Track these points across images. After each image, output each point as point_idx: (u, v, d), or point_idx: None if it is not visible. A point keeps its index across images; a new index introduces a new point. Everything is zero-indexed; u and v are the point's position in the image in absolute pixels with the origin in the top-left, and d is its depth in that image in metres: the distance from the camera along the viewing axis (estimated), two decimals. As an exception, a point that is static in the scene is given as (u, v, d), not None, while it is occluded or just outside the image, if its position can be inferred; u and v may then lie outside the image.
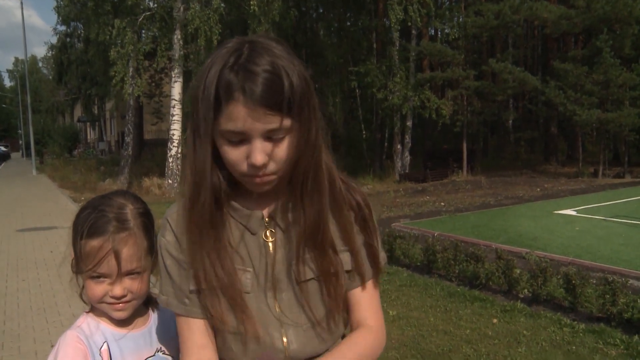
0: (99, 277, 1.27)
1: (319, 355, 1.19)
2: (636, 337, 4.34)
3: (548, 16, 19.36)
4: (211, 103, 1.05)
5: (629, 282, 5.24)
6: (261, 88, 1.01)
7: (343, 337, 1.27)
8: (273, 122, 1.03)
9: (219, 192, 1.15)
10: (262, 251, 1.17)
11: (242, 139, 1.05)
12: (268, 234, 1.18)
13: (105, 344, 1.30)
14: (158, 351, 1.38)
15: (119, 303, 1.29)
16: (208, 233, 1.14)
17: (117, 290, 1.27)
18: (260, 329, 1.15)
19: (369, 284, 1.25)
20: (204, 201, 1.14)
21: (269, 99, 1.01)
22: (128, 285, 1.28)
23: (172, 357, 1.40)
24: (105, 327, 1.33)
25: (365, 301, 1.25)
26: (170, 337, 1.39)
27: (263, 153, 1.05)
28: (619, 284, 4.76)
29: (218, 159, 1.11)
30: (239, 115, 1.02)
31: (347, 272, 1.21)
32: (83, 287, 1.35)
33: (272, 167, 1.08)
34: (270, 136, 1.05)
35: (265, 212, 1.19)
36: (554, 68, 19.43)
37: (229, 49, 1.07)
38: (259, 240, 1.18)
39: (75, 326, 1.31)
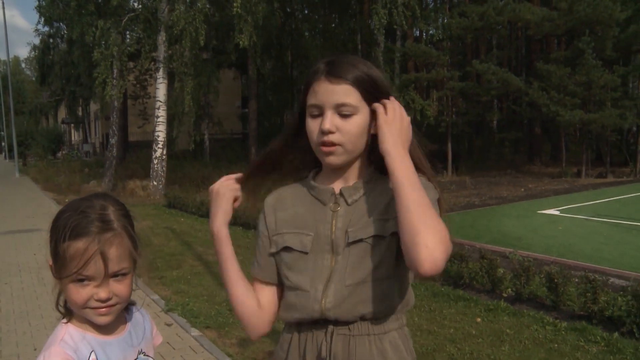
0: (83, 280, 1.22)
1: (355, 321, 1.31)
2: (616, 334, 4.40)
3: (531, 18, 19.54)
4: (303, 87, 1.37)
5: (610, 280, 5.31)
6: (337, 68, 1.30)
7: (402, 328, 1.38)
8: (342, 97, 1.29)
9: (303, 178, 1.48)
10: (327, 219, 1.37)
11: (319, 112, 1.32)
12: (334, 205, 1.38)
13: (92, 353, 1.26)
14: (140, 353, 1.38)
15: (104, 307, 1.25)
16: (288, 207, 1.45)
17: (103, 293, 1.23)
18: (308, 284, 1.34)
19: None
20: (292, 186, 1.50)
21: (342, 76, 1.29)
22: (113, 288, 1.25)
23: (151, 357, 1.41)
24: (90, 336, 1.29)
25: None
26: (146, 338, 1.41)
27: (332, 122, 1.29)
28: (600, 282, 4.83)
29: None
30: (318, 89, 1.31)
31: (394, 234, 1.29)
32: (59, 295, 1.31)
33: (337, 137, 1.30)
34: (340, 112, 1.30)
35: (337, 189, 1.40)
36: (537, 69, 19.59)
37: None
38: (326, 210, 1.39)
39: (58, 340, 1.26)
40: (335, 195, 1.39)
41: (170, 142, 18.54)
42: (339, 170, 1.39)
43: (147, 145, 21.58)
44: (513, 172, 20.84)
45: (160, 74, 17.08)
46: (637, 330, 4.39)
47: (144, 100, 29.38)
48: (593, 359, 4.03)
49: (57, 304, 1.33)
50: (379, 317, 1.32)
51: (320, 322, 1.33)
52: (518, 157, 26.35)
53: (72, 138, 56.77)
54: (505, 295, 5.51)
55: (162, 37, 16.90)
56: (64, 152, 45.13)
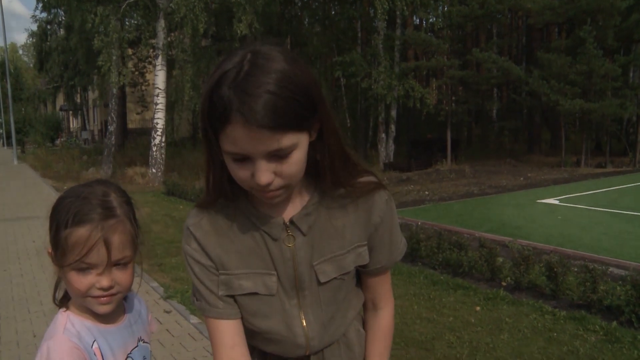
0: (86, 268, 1.18)
1: (331, 344, 1.32)
2: (615, 323, 4.41)
3: (532, 6, 19.43)
4: (207, 122, 1.04)
5: (609, 270, 5.31)
6: (261, 111, 0.96)
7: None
8: (276, 142, 1.00)
9: (232, 197, 1.20)
10: (285, 256, 1.20)
11: (245, 157, 1.04)
12: (289, 238, 1.20)
13: (95, 342, 1.24)
14: (139, 340, 1.36)
15: (105, 296, 1.21)
16: (230, 238, 1.21)
17: (105, 281, 1.20)
18: (283, 329, 1.24)
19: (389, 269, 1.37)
20: (222, 207, 1.21)
21: (270, 121, 0.97)
22: (115, 277, 1.22)
23: (149, 343, 1.41)
24: (91, 324, 1.26)
25: (382, 285, 1.37)
26: (142, 324, 1.40)
27: (268, 172, 1.04)
28: (599, 271, 4.83)
29: (225, 167, 1.12)
30: (238, 137, 0.99)
31: (364, 265, 1.29)
32: (57, 286, 1.29)
33: (279, 182, 1.07)
34: (275, 154, 1.03)
35: (286, 216, 1.20)
36: (537, 58, 19.52)
37: (229, 63, 1.02)
38: (281, 245, 1.20)
39: (61, 329, 1.22)
40: (286, 226, 1.20)
41: (170, 129, 18.50)
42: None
43: (146, 132, 21.60)
44: (512, 161, 20.82)
45: (159, 61, 17.02)
46: (635, 319, 4.39)
47: (142, 87, 29.34)
48: (592, 348, 4.04)
49: (54, 295, 1.30)
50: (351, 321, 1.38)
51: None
52: (517, 146, 26.33)
53: (71, 125, 56.69)
54: (504, 284, 5.51)
55: (161, 24, 16.82)
56: (62, 139, 45.09)
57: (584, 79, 18.12)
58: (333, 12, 25.74)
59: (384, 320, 1.41)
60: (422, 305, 5.05)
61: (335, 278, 1.24)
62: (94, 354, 1.22)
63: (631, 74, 21.38)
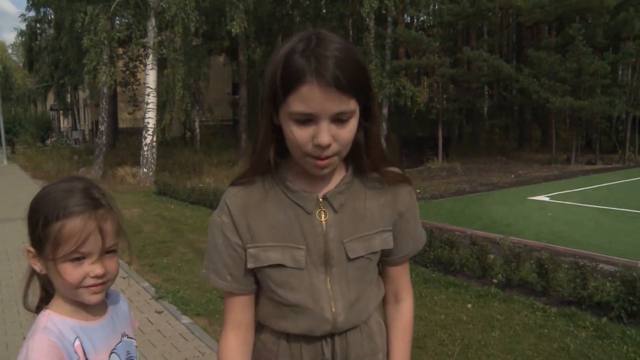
0: (80, 257, 1.22)
1: (358, 325, 1.36)
2: (605, 319, 4.44)
3: (522, 5, 19.51)
4: (280, 85, 1.12)
5: (599, 266, 5.34)
6: (334, 72, 1.08)
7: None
8: (342, 104, 1.11)
9: (266, 171, 1.27)
10: (317, 230, 1.26)
11: (309, 119, 1.12)
12: (322, 214, 1.27)
13: (77, 339, 1.25)
14: (123, 336, 1.38)
15: (99, 284, 1.25)
16: (263, 212, 1.27)
17: (98, 269, 1.23)
18: (311, 302, 1.27)
19: (407, 259, 1.43)
20: (259, 182, 1.29)
21: (341, 82, 1.09)
22: (106, 265, 1.26)
23: (134, 339, 1.43)
24: (73, 322, 1.28)
25: (403, 276, 1.44)
26: (125, 320, 1.42)
27: (329, 134, 1.12)
28: (589, 268, 4.86)
29: (274, 138, 1.23)
30: (311, 96, 1.09)
31: (388, 250, 1.35)
32: (28, 287, 1.32)
33: (335, 148, 1.15)
34: (337, 118, 1.13)
35: (320, 193, 1.27)
36: (528, 56, 19.59)
37: (296, 39, 1.14)
38: (313, 220, 1.26)
39: (41, 328, 1.24)
40: (319, 202, 1.27)
41: (161, 129, 18.42)
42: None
43: (137, 132, 21.51)
44: (503, 159, 20.91)
45: (150, 60, 16.94)
46: (625, 315, 4.42)
47: (133, 87, 29.21)
48: (582, 344, 4.06)
49: (25, 299, 1.33)
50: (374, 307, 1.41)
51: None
52: (508, 143, 26.44)
53: (61, 125, 56.37)
54: (495, 281, 5.53)
55: (152, 23, 16.75)
56: (53, 139, 44.84)
57: (574, 76, 18.21)
58: (324, 11, 25.73)
59: (405, 312, 1.45)
60: (414, 303, 5.05)
61: (363, 256, 1.29)
62: (75, 352, 1.23)
63: (620, 72, 21.50)
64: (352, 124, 1.16)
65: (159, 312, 5.04)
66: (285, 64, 1.11)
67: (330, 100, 1.09)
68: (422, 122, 24.28)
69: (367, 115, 1.23)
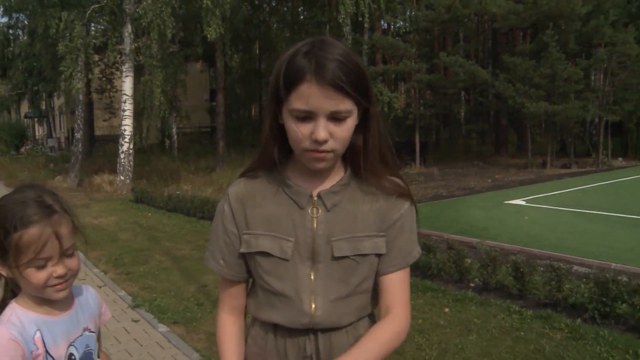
0: (42, 262, 1.31)
1: (339, 328, 1.37)
2: (579, 320, 4.51)
3: (497, 11, 19.73)
4: (282, 83, 1.21)
5: (573, 268, 5.43)
6: (332, 71, 1.17)
7: (371, 316, 1.46)
8: (339, 103, 1.19)
9: (271, 167, 1.36)
10: (307, 225, 1.32)
11: (308, 116, 1.20)
12: (314, 210, 1.33)
13: (37, 332, 1.34)
14: (85, 330, 1.46)
15: (62, 282, 1.35)
16: (260, 204, 1.36)
17: (60, 269, 1.33)
18: (293, 293, 1.32)
19: (401, 273, 1.38)
20: (262, 177, 1.38)
21: (337, 82, 1.17)
22: (67, 264, 1.35)
23: (96, 332, 1.51)
24: (36, 316, 1.37)
25: (395, 289, 1.37)
26: (91, 314, 1.51)
27: (326, 130, 1.20)
28: (564, 270, 4.93)
29: (279, 136, 1.31)
30: (310, 94, 1.18)
31: (379, 255, 1.35)
32: None
33: (331, 144, 1.22)
34: (334, 116, 1.20)
35: (315, 191, 1.34)
36: (503, 62, 19.82)
37: (301, 43, 1.23)
38: (305, 216, 1.33)
39: (4, 321, 1.33)
40: (313, 199, 1.34)
41: (139, 136, 18.27)
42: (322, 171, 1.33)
43: (114, 139, 21.29)
44: (480, 163, 21.10)
45: (127, 67, 16.81)
46: (598, 316, 4.50)
47: (110, 94, 28.96)
48: (557, 346, 4.12)
49: None
50: (365, 319, 1.43)
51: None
52: (485, 148, 26.70)
53: (36, 133, 55.59)
54: (472, 285, 5.58)
55: (128, 30, 16.62)
56: (27, 147, 44.18)
57: (548, 82, 18.47)
58: (301, 17, 25.81)
59: (387, 325, 1.33)
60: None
61: (348, 257, 1.32)
62: (34, 344, 1.33)
63: (592, 77, 21.85)
64: (349, 124, 1.23)
65: (135, 321, 4.99)
66: (288, 65, 1.20)
67: (327, 98, 1.17)
68: (399, 127, 24.38)
69: (367, 120, 1.30)
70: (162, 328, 4.78)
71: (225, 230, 1.39)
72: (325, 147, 1.22)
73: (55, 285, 1.35)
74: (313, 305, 1.32)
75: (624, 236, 7.82)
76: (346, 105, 1.20)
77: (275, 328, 1.39)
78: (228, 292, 1.46)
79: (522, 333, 4.38)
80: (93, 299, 1.55)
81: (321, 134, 1.19)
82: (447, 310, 4.98)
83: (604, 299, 4.48)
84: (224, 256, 1.40)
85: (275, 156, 1.34)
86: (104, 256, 7.52)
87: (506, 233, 8.24)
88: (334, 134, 1.21)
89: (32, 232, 1.29)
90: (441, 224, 9.20)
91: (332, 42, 1.22)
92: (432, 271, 5.91)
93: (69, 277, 1.37)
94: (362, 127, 1.31)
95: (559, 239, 7.75)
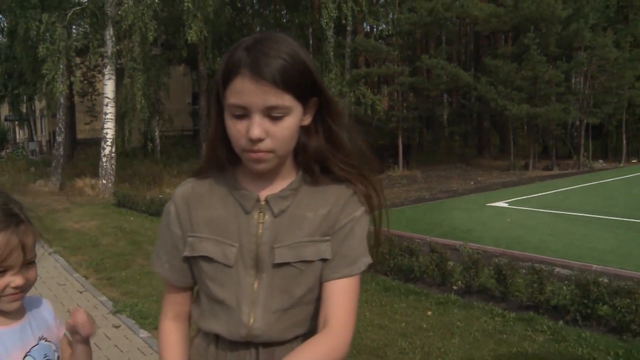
0: (2, 271, 1.28)
1: (283, 343, 1.27)
2: (561, 322, 4.53)
3: (478, 14, 19.91)
4: (220, 79, 1.16)
5: (555, 270, 5.47)
6: (269, 66, 1.09)
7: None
8: (275, 98, 1.11)
9: (222, 168, 1.29)
10: (252, 231, 1.24)
11: (244, 113, 1.13)
12: (260, 215, 1.24)
13: None
14: (41, 339, 1.42)
15: (17, 293, 1.32)
16: (206, 206, 1.29)
17: (19, 280, 1.30)
18: (234, 302, 1.24)
19: (345, 281, 1.23)
20: (211, 178, 1.31)
21: (274, 77, 1.09)
22: (26, 275, 1.32)
23: (54, 343, 1.47)
24: None
25: (337, 298, 1.22)
26: (45, 324, 1.47)
27: (260, 128, 1.12)
28: (546, 272, 4.96)
29: (226, 137, 1.21)
30: (243, 88, 1.11)
31: (324, 261, 1.24)
32: None
33: (268, 144, 1.14)
34: (270, 114, 1.12)
35: (263, 195, 1.25)
36: (485, 64, 19.99)
37: (248, 37, 1.16)
38: (250, 220, 1.24)
39: None
40: (260, 203, 1.25)
41: (121, 139, 18.13)
42: (265, 173, 1.24)
43: (96, 142, 21.11)
44: (463, 166, 21.23)
45: (108, 69, 16.69)
46: (580, 318, 4.53)
47: (92, 97, 28.74)
48: (540, 348, 4.14)
49: None
50: (313, 333, 1.23)
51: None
52: (468, 150, 26.86)
53: (17, 136, 54.98)
54: (455, 288, 5.59)
55: (109, 32, 16.51)
56: (8, 150, 43.71)
57: (530, 84, 18.66)
58: (284, 20, 25.79)
59: (324, 338, 1.18)
60: (374, 312, 5.07)
61: (289, 264, 1.22)
62: None
63: (573, 80, 22.12)
64: (288, 122, 1.14)
65: (116, 327, 4.94)
66: (227, 59, 1.14)
67: (262, 93, 1.10)
68: (382, 130, 24.44)
69: (321, 120, 1.24)
70: (144, 334, 4.73)
71: (170, 232, 1.32)
72: (261, 146, 1.14)
73: (11, 295, 1.31)
74: (252, 317, 1.23)
75: (605, 238, 7.90)
76: (284, 100, 1.12)
77: (217, 339, 1.30)
78: (172, 298, 1.39)
79: (505, 336, 4.40)
80: (47, 310, 1.50)
81: (255, 131, 1.11)
82: (429, 313, 4.99)
83: (586, 301, 4.51)
84: (169, 259, 1.34)
85: (223, 157, 1.27)
86: (85, 261, 7.44)
87: (489, 235, 8.28)
88: (271, 133, 1.13)
89: None
90: (424, 226, 9.23)
91: (278, 38, 1.15)
92: (415, 274, 5.91)
93: (25, 288, 1.34)
94: (316, 127, 1.24)
95: (541, 240, 7.80)
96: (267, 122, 1.13)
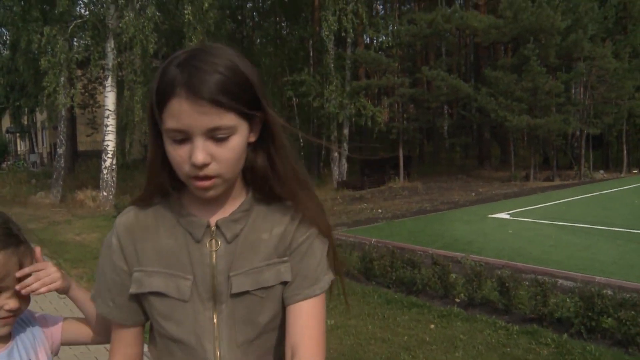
0: None
1: None
2: (565, 335, 4.50)
3: (478, 26, 19.97)
4: (154, 101, 1.05)
5: (559, 282, 5.43)
6: (207, 85, 0.99)
7: None
8: (217, 119, 1.01)
9: (166, 193, 1.17)
10: (205, 260, 1.13)
11: (185, 137, 1.02)
12: (212, 243, 1.14)
13: None
14: None
15: (10, 317, 1.27)
16: (152, 236, 1.16)
17: (13, 303, 1.26)
18: (194, 340, 1.14)
19: (310, 303, 1.15)
20: (155, 205, 1.18)
21: (213, 96, 0.99)
22: (21, 299, 1.28)
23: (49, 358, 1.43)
24: None
25: (301, 322, 1.14)
26: (35, 344, 1.40)
27: (204, 152, 1.02)
28: (549, 284, 4.93)
29: (167, 161, 1.10)
30: (180, 110, 1.00)
31: (284, 283, 1.16)
32: None
33: (214, 168, 1.04)
34: (213, 135, 1.02)
35: (213, 220, 1.15)
36: (485, 75, 20.02)
37: (180, 52, 1.06)
38: (202, 249, 1.14)
39: None
40: (210, 230, 1.15)
41: (122, 151, 18.16)
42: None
43: (97, 154, 21.12)
44: (464, 177, 21.21)
45: (109, 82, 16.73)
46: (584, 331, 4.50)
47: (93, 109, 28.77)
48: (544, 362, 4.11)
49: None
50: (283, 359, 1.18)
51: None
52: (468, 161, 26.85)
53: (18, 148, 55.05)
54: (458, 300, 5.56)
55: (110, 45, 16.57)
56: (9, 162, 43.71)
57: (530, 95, 18.68)
58: (284, 32, 25.90)
59: None
60: (377, 324, 5.04)
61: (249, 292, 1.13)
62: None
63: (573, 91, 22.16)
64: (234, 142, 1.04)
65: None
66: (160, 78, 1.03)
67: (201, 114, 1.00)
68: (383, 141, 24.50)
69: (264, 136, 1.13)
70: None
71: (113, 267, 1.18)
72: (207, 171, 1.04)
73: (3, 318, 1.26)
74: (218, 353, 1.14)
75: (607, 249, 7.87)
76: (227, 120, 1.01)
77: None
78: (120, 339, 1.24)
79: (509, 349, 4.37)
80: (36, 327, 1.42)
81: (198, 156, 1.01)
82: (432, 326, 4.96)
83: (590, 314, 4.48)
84: (113, 297, 1.19)
85: (166, 183, 1.15)
86: (86, 274, 7.41)
87: (491, 247, 8.25)
88: (216, 156, 1.03)
89: None
90: (426, 238, 9.20)
91: (214, 51, 1.04)
92: (417, 287, 5.88)
93: (18, 313, 1.30)
94: (262, 143, 1.13)
95: (543, 252, 7.77)
96: (210, 144, 1.03)
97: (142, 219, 1.18)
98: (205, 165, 1.03)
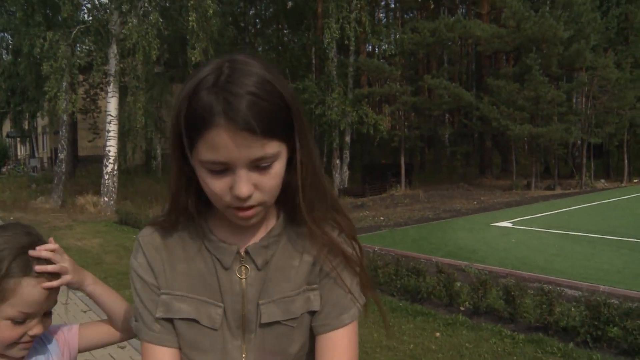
0: (23, 317, 1.18)
1: None
2: (571, 344, 4.48)
3: (481, 34, 20.04)
4: (185, 130, 0.96)
5: (563, 291, 5.41)
6: (246, 112, 0.90)
7: None
8: (261, 149, 0.93)
9: (191, 216, 1.09)
10: (234, 288, 1.07)
11: (224, 168, 0.95)
12: (242, 270, 1.08)
13: None
14: None
15: (31, 342, 1.23)
16: (180, 258, 1.10)
17: (38, 329, 1.22)
18: None
19: (342, 332, 1.10)
20: (179, 227, 1.10)
21: (255, 124, 0.90)
22: (45, 324, 1.25)
23: None
24: None
25: (333, 355, 1.09)
26: (56, 355, 1.36)
27: (249, 183, 0.95)
28: (554, 293, 4.92)
29: (192, 184, 1.04)
30: (221, 143, 0.91)
31: (314, 312, 1.11)
32: None
33: (258, 197, 0.98)
34: (257, 165, 0.95)
35: (242, 245, 1.09)
36: (487, 84, 20.08)
37: (206, 69, 0.96)
38: (232, 276, 1.08)
39: None
40: (240, 256, 1.08)
41: (123, 157, 18.18)
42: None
43: (98, 160, 21.13)
44: (465, 185, 21.21)
45: (112, 87, 16.76)
46: (590, 340, 4.48)
47: (94, 114, 28.80)
48: (550, 371, 4.09)
49: None
50: None
51: None
52: (470, 170, 26.86)
53: (19, 152, 55.07)
54: (463, 308, 5.54)
55: (113, 50, 16.61)
56: (9, 167, 43.73)
57: (532, 104, 18.72)
58: (287, 39, 25.97)
59: None
60: (382, 333, 5.02)
61: (279, 322, 1.08)
62: None
63: (575, 100, 22.21)
64: (277, 168, 0.98)
65: (121, 347, 4.88)
66: (191, 103, 0.94)
67: (244, 147, 0.92)
68: (384, 149, 24.55)
69: (293, 154, 1.04)
70: None
71: (147, 286, 1.10)
72: (251, 202, 0.97)
73: (26, 342, 1.22)
74: None
75: (611, 258, 7.86)
76: (270, 149, 0.94)
77: None
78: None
79: (515, 358, 4.35)
80: (48, 343, 1.36)
81: (243, 190, 0.94)
82: (438, 334, 4.94)
83: (596, 323, 4.47)
84: (157, 320, 1.09)
85: (192, 207, 1.07)
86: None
87: (494, 255, 8.23)
88: (260, 185, 0.97)
89: (26, 282, 1.18)
90: (429, 246, 9.18)
91: (245, 67, 0.94)
92: (422, 295, 5.87)
93: (39, 337, 1.26)
94: (293, 161, 1.04)
95: (547, 261, 7.76)
96: (254, 175, 0.96)
97: (168, 242, 1.11)
98: (249, 197, 0.96)
